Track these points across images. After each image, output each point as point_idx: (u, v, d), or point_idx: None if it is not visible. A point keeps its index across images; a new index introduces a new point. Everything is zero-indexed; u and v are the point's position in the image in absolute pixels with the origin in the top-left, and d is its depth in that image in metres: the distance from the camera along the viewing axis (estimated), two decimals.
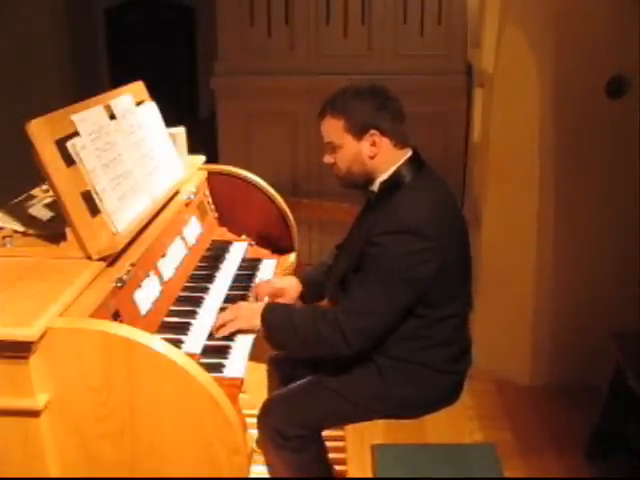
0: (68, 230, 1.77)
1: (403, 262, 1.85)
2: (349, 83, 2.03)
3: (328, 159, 2.03)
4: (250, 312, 1.99)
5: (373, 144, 1.95)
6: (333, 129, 1.98)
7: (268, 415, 2.05)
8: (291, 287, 2.25)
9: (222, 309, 2.09)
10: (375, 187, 2.01)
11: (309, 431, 2.02)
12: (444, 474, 2.03)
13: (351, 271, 1.97)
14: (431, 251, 1.87)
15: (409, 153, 2.00)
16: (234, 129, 4.38)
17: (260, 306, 2.00)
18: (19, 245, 1.85)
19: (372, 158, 1.96)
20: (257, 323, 1.96)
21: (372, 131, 1.94)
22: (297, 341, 1.93)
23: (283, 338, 1.97)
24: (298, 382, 2.11)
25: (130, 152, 2.09)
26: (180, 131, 2.60)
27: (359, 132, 1.95)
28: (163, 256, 2.13)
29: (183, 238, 2.33)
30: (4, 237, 1.87)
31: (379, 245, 1.87)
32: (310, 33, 4.27)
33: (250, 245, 2.62)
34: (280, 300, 2.21)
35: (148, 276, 1.98)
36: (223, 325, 1.97)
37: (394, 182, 1.96)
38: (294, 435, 1.99)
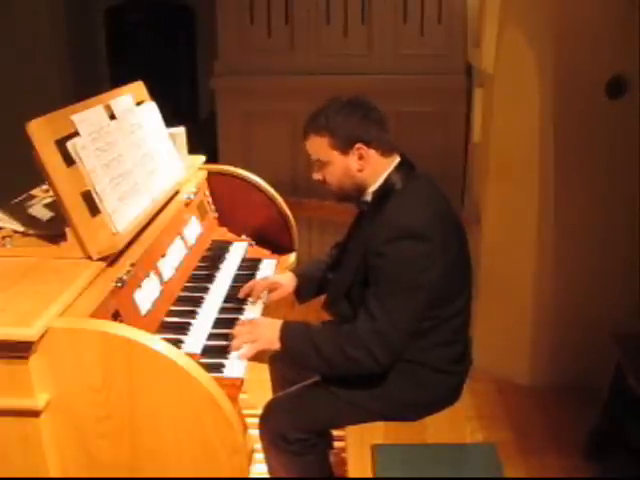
0: (68, 230, 1.77)
1: (411, 268, 1.85)
2: (328, 100, 2.00)
3: (317, 176, 2.03)
4: (268, 333, 1.93)
5: (360, 157, 1.94)
6: (319, 147, 1.97)
7: (270, 418, 2.05)
8: (286, 280, 2.26)
9: (226, 320, 2.04)
10: (368, 197, 2.01)
11: (311, 434, 2.01)
12: (444, 474, 2.03)
13: (357, 283, 1.96)
14: (434, 251, 1.87)
15: (397, 159, 2.00)
16: (234, 129, 4.38)
17: (277, 324, 1.96)
18: (19, 245, 1.85)
19: (361, 171, 1.96)
20: (277, 345, 1.94)
21: (358, 144, 1.93)
22: (321, 362, 1.90)
23: (306, 359, 1.94)
24: (299, 385, 2.11)
25: (130, 152, 2.09)
26: (180, 131, 2.60)
27: (345, 147, 1.94)
28: (163, 256, 2.13)
29: (183, 238, 2.33)
30: (4, 237, 1.87)
31: (384, 255, 1.86)
32: (310, 33, 4.26)
33: (250, 245, 2.61)
34: (275, 293, 2.22)
35: (148, 276, 1.98)
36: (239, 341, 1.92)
37: (386, 190, 1.96)
38: (296, 439, 1.98)
